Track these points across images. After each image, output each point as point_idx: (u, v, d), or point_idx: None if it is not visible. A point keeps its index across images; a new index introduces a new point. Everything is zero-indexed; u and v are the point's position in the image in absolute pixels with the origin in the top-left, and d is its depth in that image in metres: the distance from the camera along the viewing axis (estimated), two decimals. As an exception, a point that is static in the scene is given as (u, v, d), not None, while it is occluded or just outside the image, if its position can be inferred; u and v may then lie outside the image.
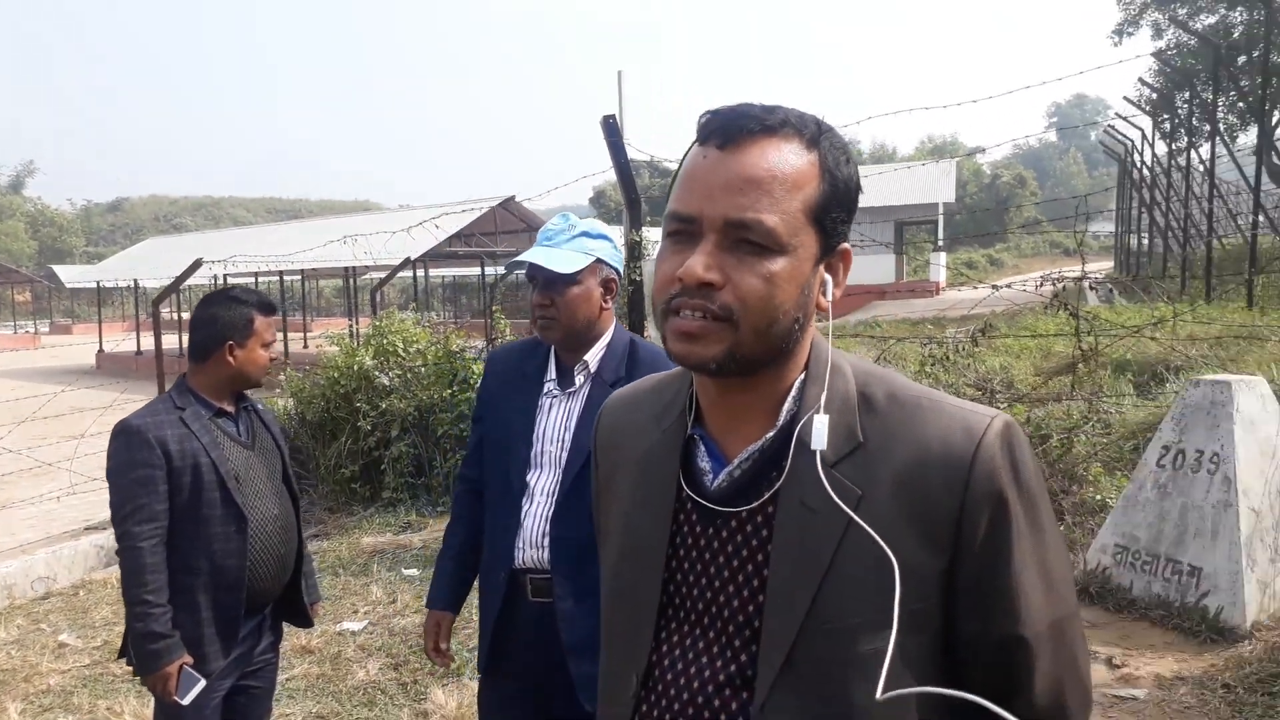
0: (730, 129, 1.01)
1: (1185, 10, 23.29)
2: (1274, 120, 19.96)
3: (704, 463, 1.12)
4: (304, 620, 2.97)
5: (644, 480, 1.17)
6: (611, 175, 5.08)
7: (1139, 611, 4.40)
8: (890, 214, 32.06)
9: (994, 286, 8.22)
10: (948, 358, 8.50)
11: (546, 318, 2.25)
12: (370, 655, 4.87)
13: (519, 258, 2.25)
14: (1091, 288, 9.27)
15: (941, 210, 33.98)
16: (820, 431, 1.02)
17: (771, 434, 1.07)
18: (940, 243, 35.32)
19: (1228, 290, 12.60)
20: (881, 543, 0.97)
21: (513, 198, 21.31)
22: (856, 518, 0.99)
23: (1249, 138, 18.95)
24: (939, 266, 35.07)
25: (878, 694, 0.93)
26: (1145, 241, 24.36)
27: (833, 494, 1.00)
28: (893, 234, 32.27)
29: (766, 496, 1.06)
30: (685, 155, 1.05)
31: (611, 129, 4.85)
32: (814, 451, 1.02)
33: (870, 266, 30.45)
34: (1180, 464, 4.51)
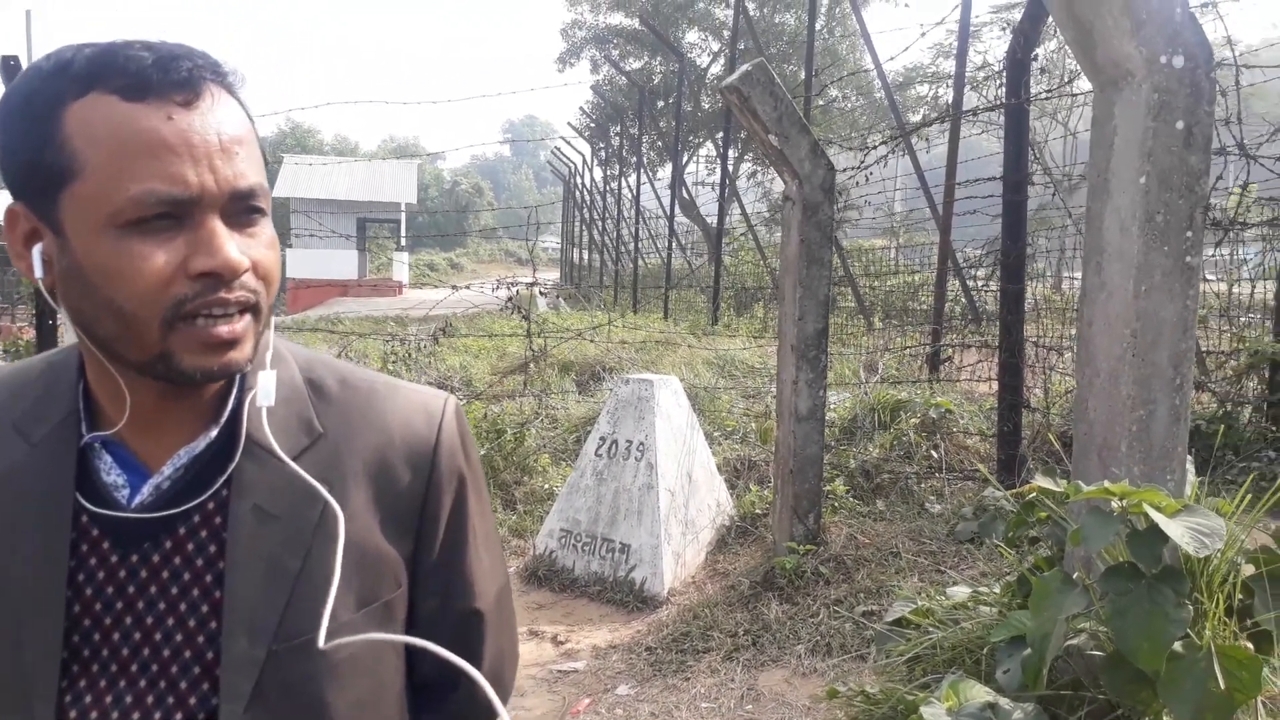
0: (188, 78, 0.83)
1: (618, 51, 26.52)
2: (685, 160, 23.57)
3: (113, 476, 0.91)
4: None
5: (11, 512, 0.90)
6: None
7: (580, 589, 4.81)
8: (353, 209, 31.72)
9: (454, 287, 8.49)
10: (410, 355, 8.58)
11: None
12: None
13: None
14: (542, 294, 10.05)
15: (404, 210, 34.47)
16: (268, 388, 0.92)
17: (215, 432, 0.91)
18: (403, 242, 35.82)
19: (650, 302, 14.58)
20: (326, 494, 0.90)
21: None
22: (321, 489, 0.90)
23: (667, 172, 22.14)
24: (402, 265, 35.53)
25: (320, 642, 0.85)
26: (586, 256, 27.21)
27: (313, 482, 0.90)
28: (356, 229, 31.94)
29: (211, 507, 0.90)
30: (64, 109, 0.81)
31: (13, 73, 4.03)
32: (268, 448, 0.91)
33: (333, 261, 29.78)
34: (614, 453, 5.04)
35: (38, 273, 0.84)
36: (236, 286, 0.83)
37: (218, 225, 0.82)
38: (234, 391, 0.93)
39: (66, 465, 0.89)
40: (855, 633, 3.77)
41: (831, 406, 6.00)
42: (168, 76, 0.81)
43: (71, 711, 0.88)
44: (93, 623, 0.88)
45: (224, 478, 0.90)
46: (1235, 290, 5.91)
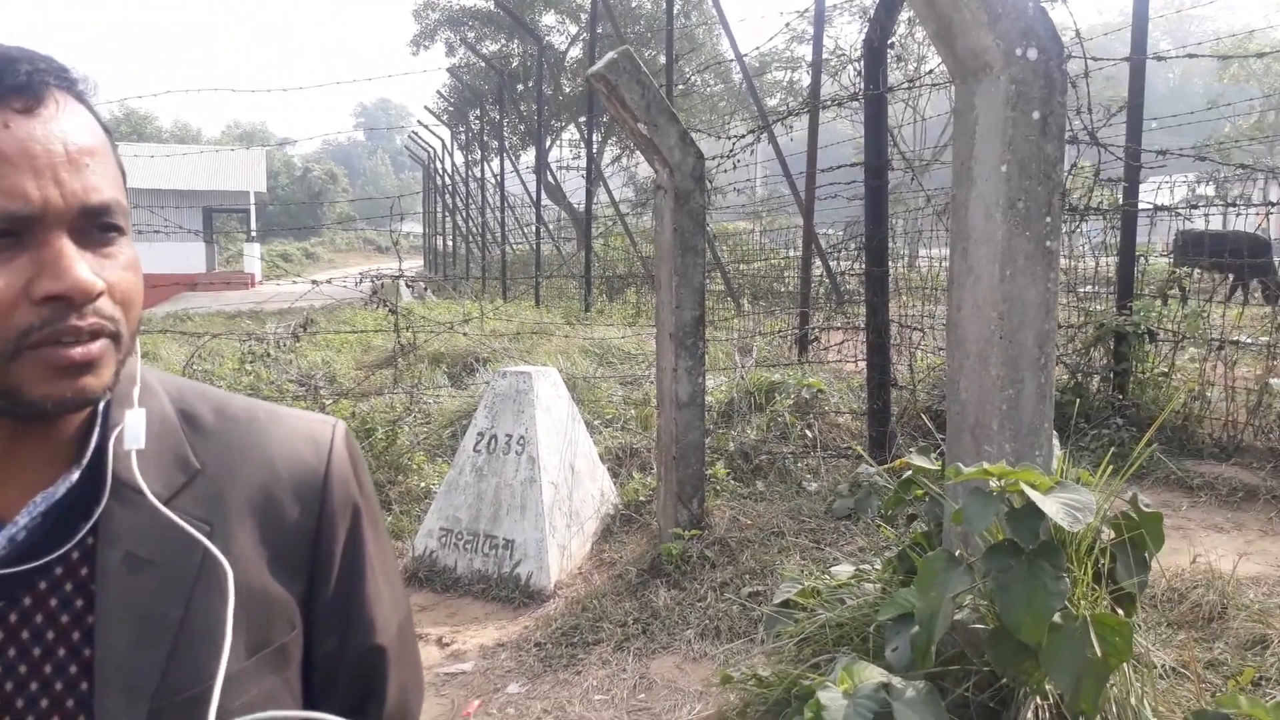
0: (28, 83, 0.74)
1: (474, 34, 26.04)
2: (548, 145, 23.38)
3: None
4: None
5: None
6: None
7: (463, 588, 4.72)
8: (198, 199, 30.19)
9: (314, 282, 8.17)
10: (269, 354, 8.21)
11: None
12: None
13: None
14: (408, 285, 9.79)
15: (254, 200, 33.01)
16: (137, 429, 0.84)
17: (75, 475, 0.82)
18: (254, 233, 34.31)
19: (521, 291, 14.43)
20: (209, 543, 0.83)
21: None
22: (208, 543, 0.83)
23: (531, 157, 21.94)
24: (254, 258, 34.03)
25: (210, 717, 0.78)
26: (451, 243, 26.68)
27: (186, 525, 0.83)
28: (201, 221, 30.40)
29: (76, 557, 0.81)
30: None
31: None
32: (138, 490, 0.82)
33: (177, 254, 28.24)
34: (494, 448, 4.95)
35: None
36: (90, 313, 0.75)
37: (65, 244, 0.74)
38: (97, 427, 0.84)
39: None
40: (743, 615, 3.83)
41: (709, 390, 6.07)
42: (3, 81, 0.73)
43: None
44: None
45: (89, 524, 0.82)
46: (1080, 266, 6.29)
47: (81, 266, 0.74)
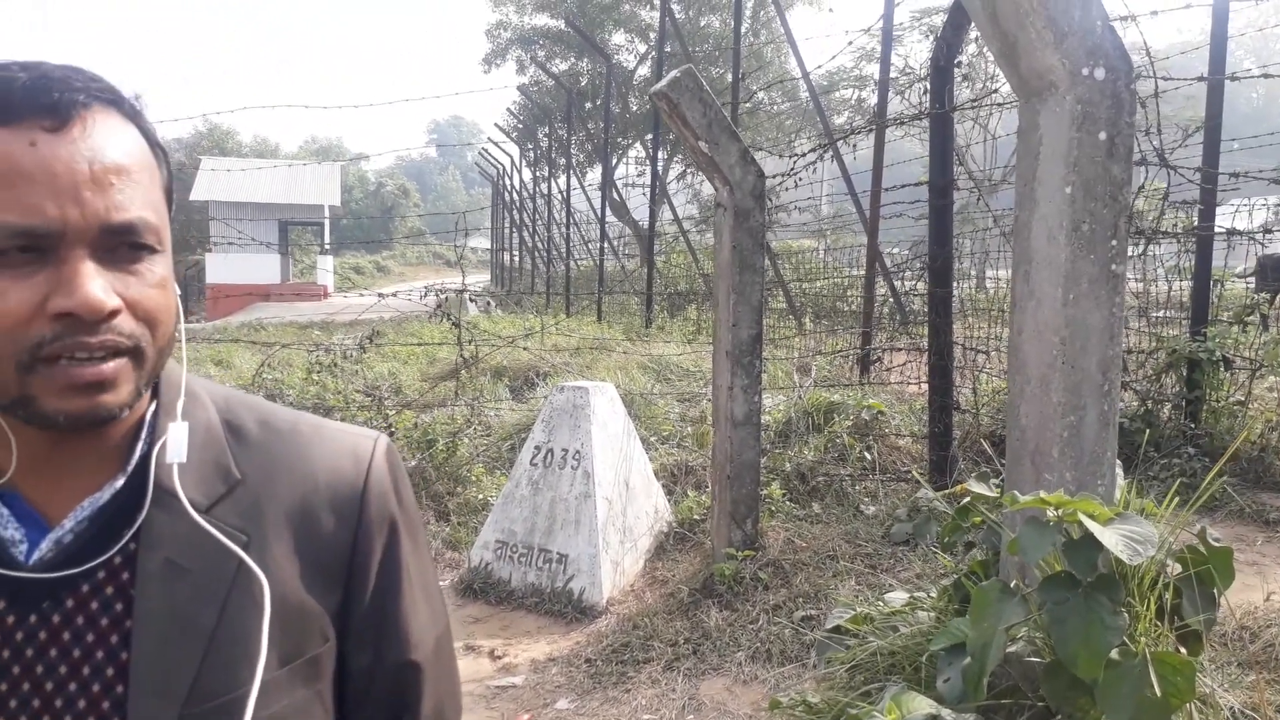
0: (57, 103, 0.76)
1: (544, 52, 26.38)
2: (614, 162, 23.55)
3: (9, 530, 0.84)
4: None
5: None
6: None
7: (517, 601, 4.74)
8: (274, 212, 31.04)
9: (380, 295, 8.33)
10: (336, 364, 8.38)
11: None
12: None
13: None
14: (471, 299, 9.92)
15: (328, 213, 33.84)
16: (179, 442, 0.86)
17: (120, 482, 0.85)
18: (327, 245, 35.14)
19: (583, 306, 14.52)
20: (242, 553, 0.85)
21: None
22: (243, 555, 0.85)
23: (597, 174, 22.11)
24: (326, 270, 34.84)
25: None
26: (517, 258, 26.99)
27: (221, 536, 0.85)
28: (277, 233, 31.25)
29: (118, 562, 0.84)
30: None
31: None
32: (179, 499, 0.84)
33: (254, 266, 29.09)
34: (550, 461, 4.98)
35: None
36: (104, 330, 0.76)
37: (83, 263, 0.75)
38: (142, 435, 0.87)
39: None
40: (795, 639, 3.78)
41: (766, 410, 6.03)
42: (35, 100, 0.75)
43: None
44: None
45: (132, 530, 0.84)
46: (1152, 289, 6.10)
47: (94, 284, 0.75)
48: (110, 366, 0.77)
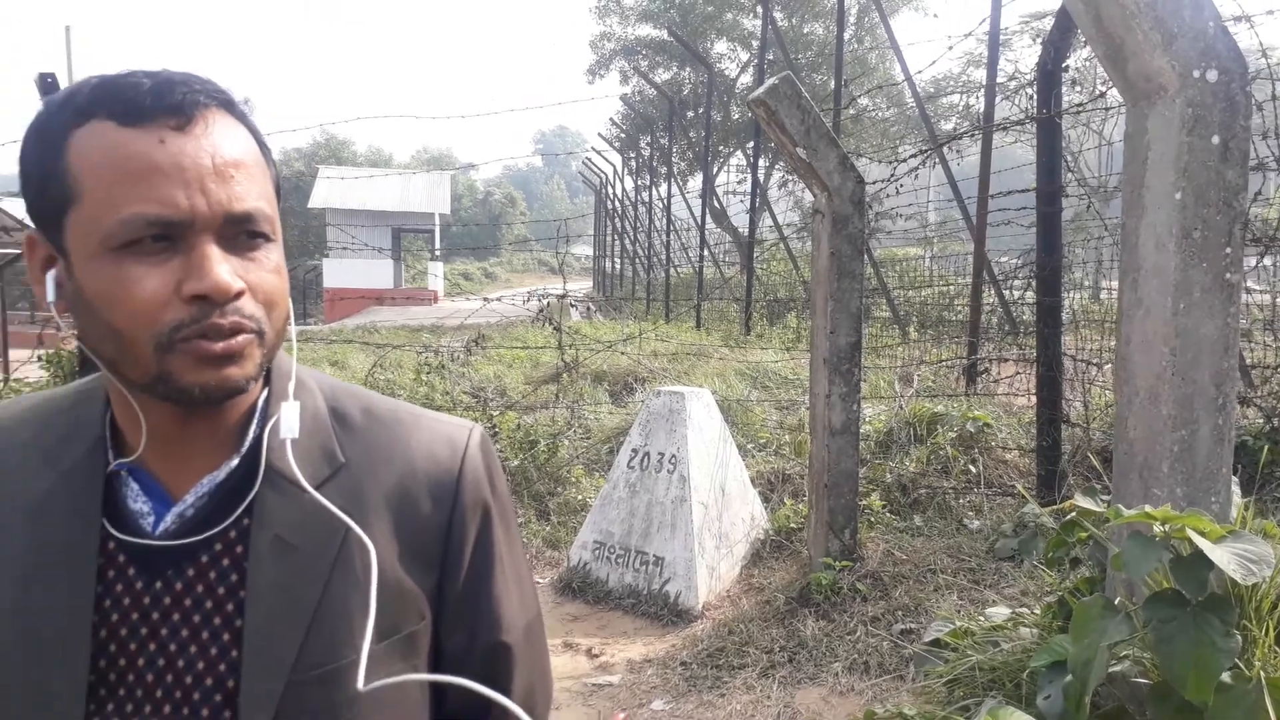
0: (181, 103, 0.84)
1: (647, 62, 26.59)
2: (715, 170, 23.56)
3: (138, 503, 0.92)
4: None
5: (40, 540, 0.91)
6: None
7: (614, 601, 4.81)
8: (387, 219, 32.04)
9: (485, 299, 8.55)
10: (444, 366, 8.64)
11: None
12: None
13: None
14: (573, 305, 10.08)
15: (438, 220, 34.77)
16: (291, 419, 0.93)
17: (235, 461, 0.93)
18: (438, 252, 36.09)
19: (682, 312, 14.57)
20: (355, 527, 0.91)
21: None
22: (353, 524, 0.91)
23: (698, 182, 22.15)
24: (437, 276, 35.81)
25: (359, 684, 0.85)
26: (618, 265, 27.24)
27: (334, 509, 0.91)
28: (390, 240, 32.27)
29: (233, 535, 0.91)
30: (69, 137, 0.83)
31: (51, 90, 4.11)
32: (287, 478, 0.92)
33: (369, 271, 30.11)
34: (647, 465, 5.04)
35: (50, 297, 0.86)
36: (231, 311, 0.83)
37: (210, 249, 0.82)
38: (255, 419, 0.94)
39: (94, 493, 0.90)
40: (893, 651, 3.73)
41: (866, 419, 5.96)
42: (162, 102, 0.82)
43: None
44: (118, 649, 0.89)
45: (244, 506, 0.91)
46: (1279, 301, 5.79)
47: (223, 268, 0.82)
48: (238, 341, 0.84)
